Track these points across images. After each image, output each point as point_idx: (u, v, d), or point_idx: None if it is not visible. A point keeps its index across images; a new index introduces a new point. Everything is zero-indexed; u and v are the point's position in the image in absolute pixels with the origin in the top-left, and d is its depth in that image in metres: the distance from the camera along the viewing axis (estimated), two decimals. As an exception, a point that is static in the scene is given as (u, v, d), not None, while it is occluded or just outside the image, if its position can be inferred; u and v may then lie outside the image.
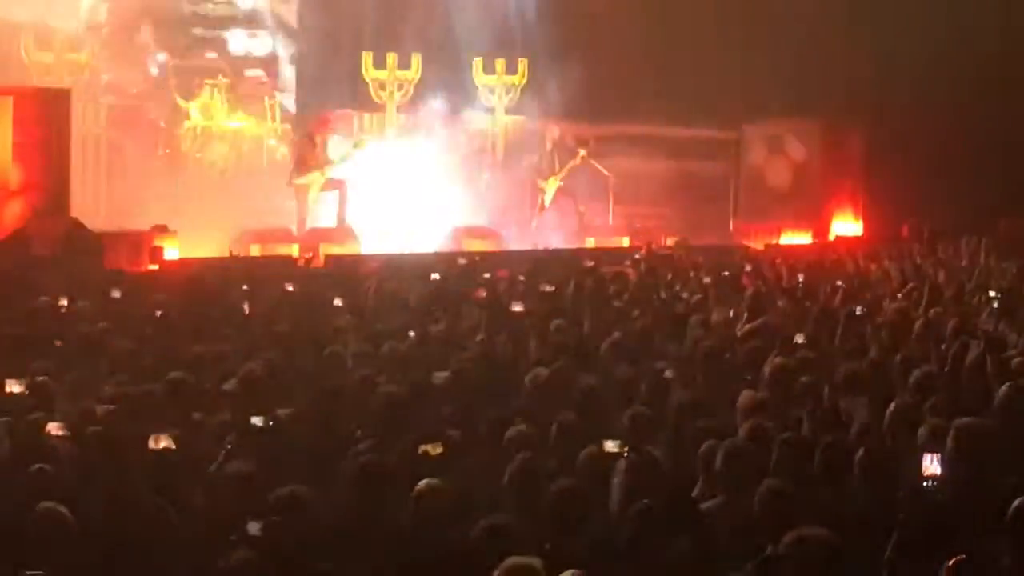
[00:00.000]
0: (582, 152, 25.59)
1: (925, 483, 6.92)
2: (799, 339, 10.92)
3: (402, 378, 9.99)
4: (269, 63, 25.39)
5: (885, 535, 6.38)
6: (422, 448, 7.65)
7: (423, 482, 7.16)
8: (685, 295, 14.80)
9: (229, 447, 8.14)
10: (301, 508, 6.84)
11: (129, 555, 6.75)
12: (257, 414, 8.40)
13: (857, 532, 6.66)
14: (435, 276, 15.21)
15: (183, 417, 8.71)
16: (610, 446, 7.57)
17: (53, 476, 7.34)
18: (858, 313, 12.66)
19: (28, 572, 6.16)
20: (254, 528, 6.30)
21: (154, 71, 24.60)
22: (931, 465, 6.96)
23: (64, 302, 12.70)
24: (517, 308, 13.06)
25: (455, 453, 7.88)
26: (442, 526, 6.98)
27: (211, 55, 25.08)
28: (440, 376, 10.06)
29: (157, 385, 9.42)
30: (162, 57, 24.57)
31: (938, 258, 19.10)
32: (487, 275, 15.93)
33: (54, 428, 8.16)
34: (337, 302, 13.33)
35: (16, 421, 8.44)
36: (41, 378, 9.46)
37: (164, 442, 7.67)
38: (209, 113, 24.17)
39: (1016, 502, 6.42)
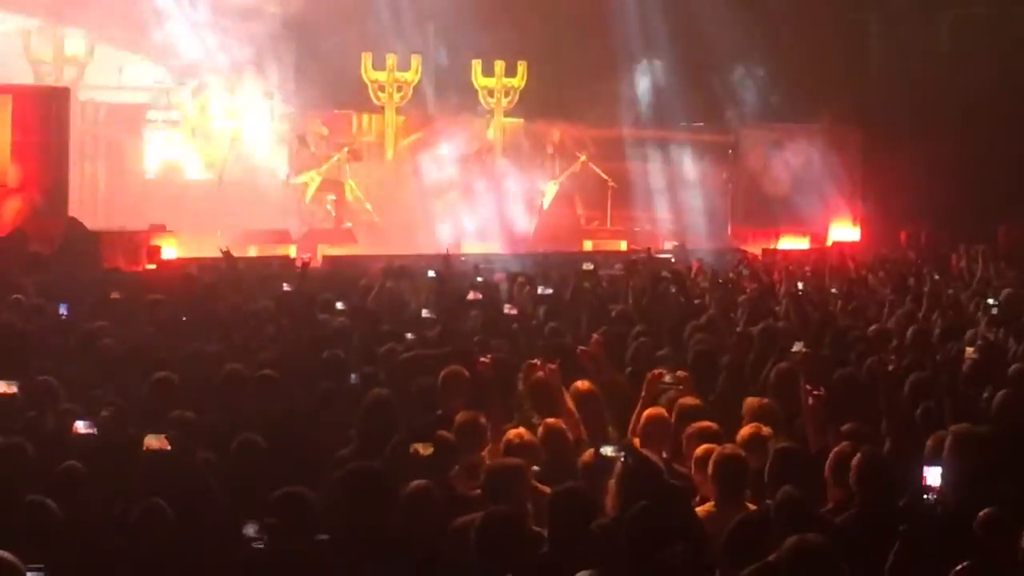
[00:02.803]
0: (582, 157, 25.64)
1: (927, 495, 6.89)
2: (798, 347, 10.86)
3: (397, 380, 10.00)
4: (268, 62, 25.35)
5: (887, 544, 6.37)
6: (413, 448, 7.64)
7: (414, 483, 7.18)
8: (683, 299, 14.75)
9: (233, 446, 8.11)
10: (299, 509, 6.83)
11: (128, 556, 6.75)
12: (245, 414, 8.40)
13: (858, 540, 6.66)
14: (431, 273, 15.21)
15: (173, 417, 8.66)
16: (607, 450, 7.55)
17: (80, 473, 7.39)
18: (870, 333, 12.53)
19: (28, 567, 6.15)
20: (251, 530, 6.29)
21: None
22: (933, 477, 6.94)
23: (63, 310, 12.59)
24: (512, 311, 13.01)
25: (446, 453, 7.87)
26: (434, 525, 6.99)
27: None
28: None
29: (145, 385, 9.41)
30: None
31: (936, 264, 19.05)
32: (480, 279, 15.87)
33: (81, 426, 8.14)
34: (339, 305, 13.27)
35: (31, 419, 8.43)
36: (42, 377, 9.44)
37: (159, 443, 7.65)
38: (207, 113, 24.13)
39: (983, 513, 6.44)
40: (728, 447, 7.77)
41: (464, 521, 7.04)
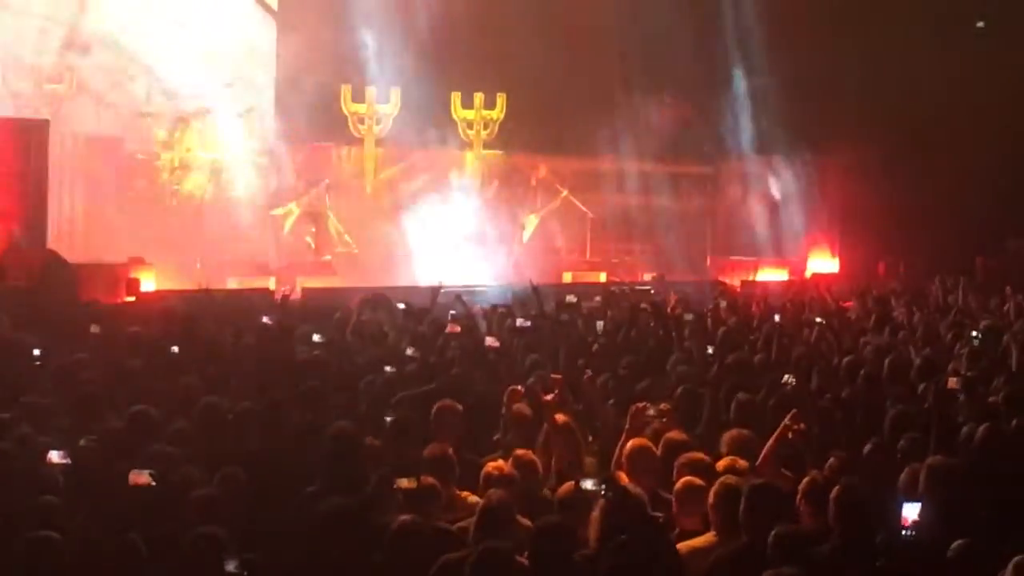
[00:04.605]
0: (564, 192, 25.70)
1: (904, 531, 6.88)
2: (788, 379, 10.85)
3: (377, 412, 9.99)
4: (248, 95, 25.36)
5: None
6: (396, 483, 7.62)
7: (400, 518, 7.15)
8: (662, 331, 14.73)
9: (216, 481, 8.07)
10: (277, 543, 6.81)
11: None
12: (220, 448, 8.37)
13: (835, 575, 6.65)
14: (401, 305, 15.23)
15: (151, 452, 8.61)
16: (588, 484, 7.53)
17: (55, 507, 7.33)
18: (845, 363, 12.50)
19: None
20: (231, 566, 6.25)
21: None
22: (911, 513, 6.92)
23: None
24: (495, 344, 12.98)
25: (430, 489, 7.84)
26: (422, 560, 6.96)
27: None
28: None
29: (122, 420, 9.36)
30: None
31: (915, 296, 19.08)
32: (452, 312, 15.84)
33: (55, 456, 8.09)
34: (316, 337, 13.22)
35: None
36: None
37: (143, 478, 7.60)
38: (187, 145, 24.09)
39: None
40: (731, 478, 7.74)
41: (455, 557, 7.01)
